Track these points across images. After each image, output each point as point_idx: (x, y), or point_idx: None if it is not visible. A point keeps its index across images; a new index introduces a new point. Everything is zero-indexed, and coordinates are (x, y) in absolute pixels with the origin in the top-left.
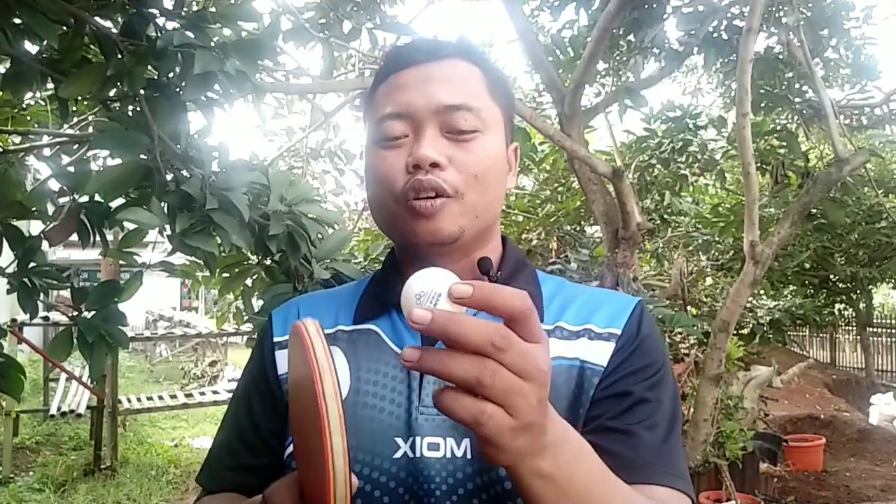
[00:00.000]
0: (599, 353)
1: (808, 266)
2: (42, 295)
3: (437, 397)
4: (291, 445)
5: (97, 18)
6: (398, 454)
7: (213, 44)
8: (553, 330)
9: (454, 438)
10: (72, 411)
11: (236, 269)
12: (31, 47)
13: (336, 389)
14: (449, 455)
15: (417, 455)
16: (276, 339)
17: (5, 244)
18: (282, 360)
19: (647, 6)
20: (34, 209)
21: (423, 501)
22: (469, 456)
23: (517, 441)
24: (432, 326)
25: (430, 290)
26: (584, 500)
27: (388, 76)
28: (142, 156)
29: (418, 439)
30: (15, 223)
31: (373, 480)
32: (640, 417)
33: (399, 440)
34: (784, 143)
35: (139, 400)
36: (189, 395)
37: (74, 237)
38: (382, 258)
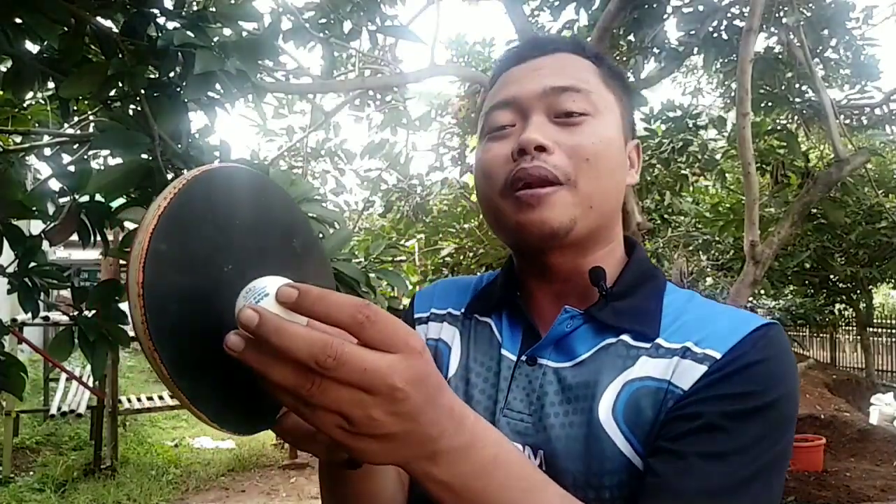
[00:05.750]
0: (686, 376)
1: (808, 266)
2: (42, 295)
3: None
4: None
5: (98, 18)
6: None
7: (213, 43)
8: (650, 348)
9: (531, 448)
10: (72, 411)
11: None
12: (32, 47)
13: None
14: None
15: None
16: (416, 316)
17: (6, 244)
18: (419, 333)
19: (647, 6)
20: (34, 209)
21: None
22: (543, 467)
23: (365, 444)
24: (257, 331)
25: (259, 287)
26: None
27: (498, 77)
28: (142, 155)
29: None
30: (15, 223)
31: None
32: (702, 445)
33: None
34: (784, 143)
35: (139, 400)
36: None
37: (75, 237)
38: (384, 258)
